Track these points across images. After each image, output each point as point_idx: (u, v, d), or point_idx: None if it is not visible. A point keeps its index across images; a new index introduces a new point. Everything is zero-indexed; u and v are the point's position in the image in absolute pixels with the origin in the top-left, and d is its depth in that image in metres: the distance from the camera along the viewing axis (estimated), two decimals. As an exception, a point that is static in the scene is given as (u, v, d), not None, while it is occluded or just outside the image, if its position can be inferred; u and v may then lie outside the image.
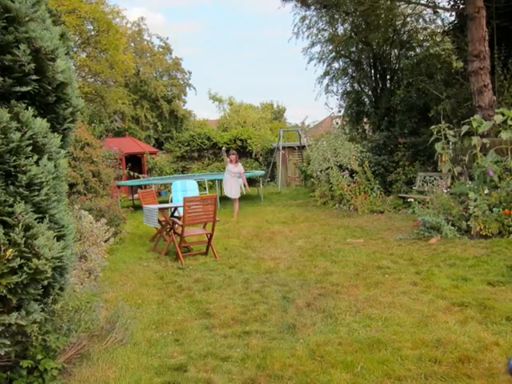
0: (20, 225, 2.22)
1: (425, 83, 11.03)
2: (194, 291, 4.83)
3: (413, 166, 11.11)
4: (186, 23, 59.73)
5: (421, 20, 13.29)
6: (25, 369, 2.64)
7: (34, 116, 2.36)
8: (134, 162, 16.00)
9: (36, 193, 2.34)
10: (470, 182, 7.28)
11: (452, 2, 11.14)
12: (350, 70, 14.69)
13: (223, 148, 13.34)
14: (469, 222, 6.55)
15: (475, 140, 7.52)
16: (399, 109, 12.11)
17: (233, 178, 10.68)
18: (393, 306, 4.04)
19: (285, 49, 77.04)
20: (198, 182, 9.91)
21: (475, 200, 6.56)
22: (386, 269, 5.31)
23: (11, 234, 2.21)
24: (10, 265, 2.19)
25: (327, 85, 14.91)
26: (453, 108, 10.10)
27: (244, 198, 14.91)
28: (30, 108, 2.34)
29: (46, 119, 2.45)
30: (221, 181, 16.29)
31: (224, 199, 14.22)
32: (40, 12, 2.40)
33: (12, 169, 2.25)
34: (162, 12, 53.21)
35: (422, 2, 11.78)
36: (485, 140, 7.58)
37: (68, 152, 2.92)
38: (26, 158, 2.29)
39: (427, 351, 3.13)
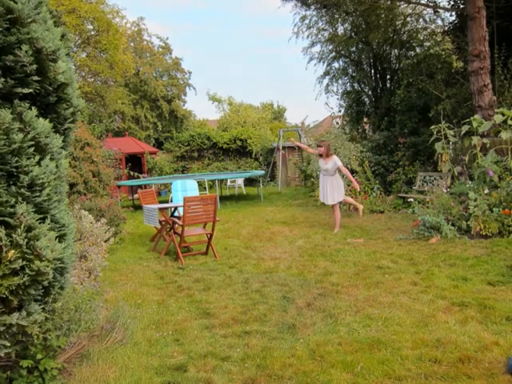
0: (22, 226, 2.21)
1: (425, 83, 11.02)
2: (194, 291, 4.84)
3: (413, 166, 11.11)
4: (185, 24, 59.76)
5: (421, 20, 13.29)
6: (25, 369, 2.64)
7: (37, 116, 2.37)
8: (134, 162, 16.00)
9: (38, 193, 2.34)
10: (470, 182, 7.29)
11: (452, 2, 11.14)
12: (350, 70, 14.68)
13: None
14: (469, 222, 6.56)
15: (475, 140, 7.52)
16: (399, 109, 12.10)
17: (326, 178, 8.00)
18: (393, 306, 4.05)
19: (285, 48, 77.14)
20: (198, 182, 9.91)
21: (475, 200, 6.57)
22: (385, 269, 5.31)
23: (13, 234, 2.20)
24: (12, 266, 2.18)
25: (327, 85, 14.91)
26: (453, 108, 10.09)
27: (244, 198, 14.91)
28: (32, 108, 2.35)
29: (47, 119, 2.45)
30: (221, 181, 16.25)
31: (224, 199, 14.22)
32: (42, 13, 2.40)
33: (14, 169, 2.25)
34: (160, 16, 53.28)
35: (422, 1, 11.78)
36: (485, 140, 7.58)
37: (68, 152, 2.92)
38: (28, 158, 2.29)
39: (427, 351, 3.13)
